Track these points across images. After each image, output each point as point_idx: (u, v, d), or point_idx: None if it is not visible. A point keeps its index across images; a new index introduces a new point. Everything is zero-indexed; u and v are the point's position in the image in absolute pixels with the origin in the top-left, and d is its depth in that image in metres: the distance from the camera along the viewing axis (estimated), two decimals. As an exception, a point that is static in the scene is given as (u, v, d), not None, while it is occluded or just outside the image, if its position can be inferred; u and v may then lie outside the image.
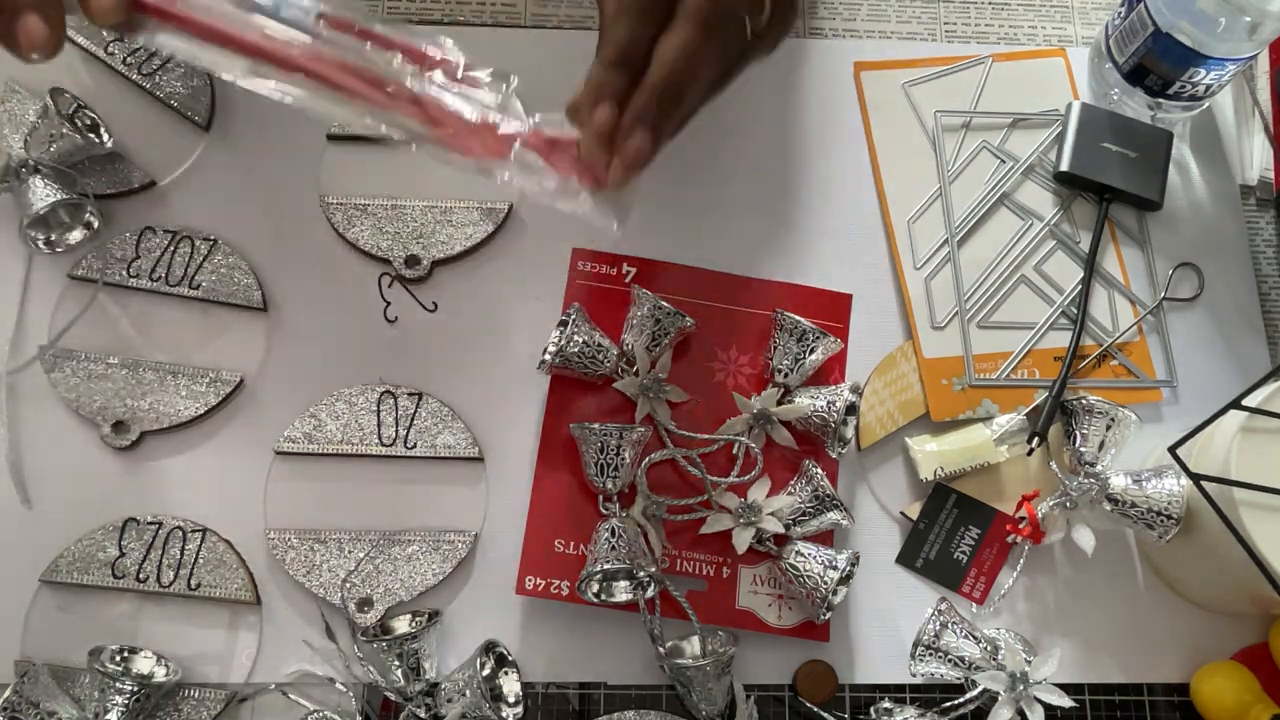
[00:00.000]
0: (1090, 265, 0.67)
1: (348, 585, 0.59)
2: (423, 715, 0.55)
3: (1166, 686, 0.61)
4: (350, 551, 0.60)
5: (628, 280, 0.63)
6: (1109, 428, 0.60)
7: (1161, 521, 0.57)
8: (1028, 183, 0.70)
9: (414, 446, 0.62)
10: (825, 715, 0.59)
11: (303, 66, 0.46)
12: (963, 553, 0.62)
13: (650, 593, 0.57)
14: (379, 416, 0.62)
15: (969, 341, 0.66)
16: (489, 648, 0.57)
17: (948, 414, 0.64)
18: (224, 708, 0.57)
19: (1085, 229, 0.69)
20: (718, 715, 0.57)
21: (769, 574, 0.60)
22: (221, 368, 0.63)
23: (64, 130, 0.62)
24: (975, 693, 0.57)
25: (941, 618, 0.58)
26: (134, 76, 0.67)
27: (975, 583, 0.62)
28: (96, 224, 0.64)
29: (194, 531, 0.60)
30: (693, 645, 0.58)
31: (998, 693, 0.56)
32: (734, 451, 0.61)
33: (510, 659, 0.58)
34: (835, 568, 0.57)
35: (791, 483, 0.60)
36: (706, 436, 0.61)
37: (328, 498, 0.61)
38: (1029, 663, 0.57)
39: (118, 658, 0.57)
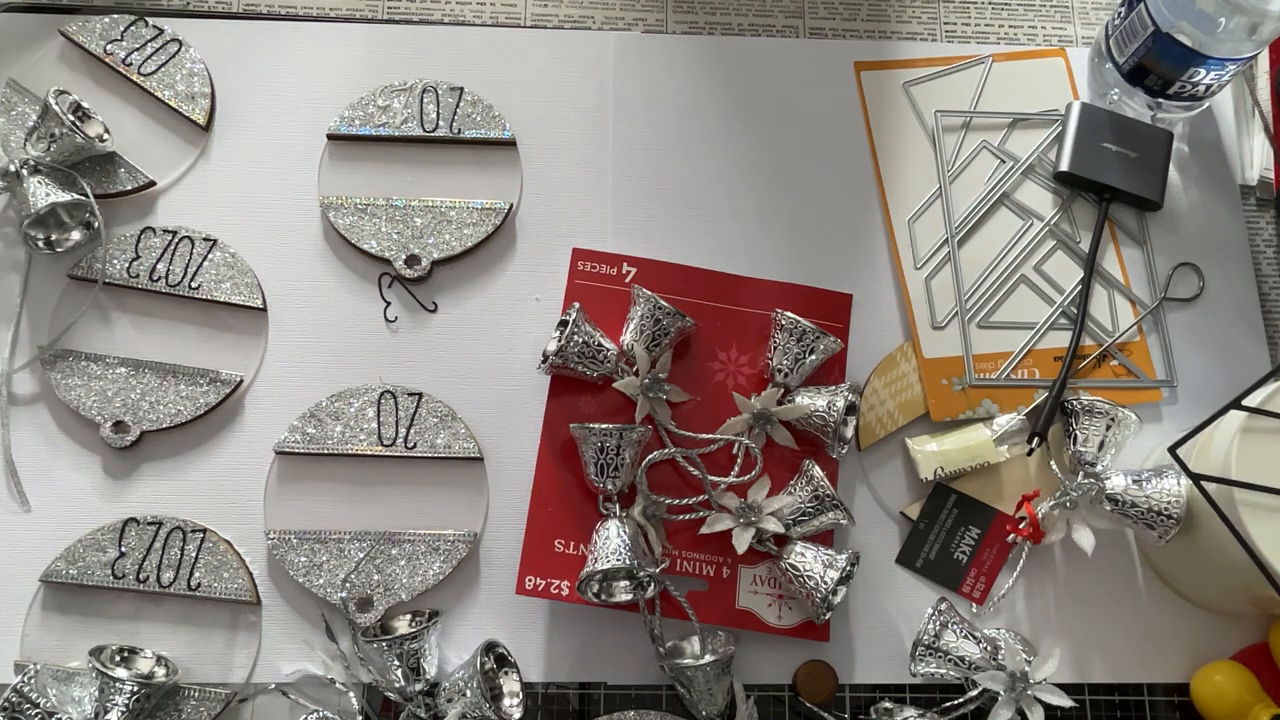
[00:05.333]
0: (1090, 265, 0.67)
1: (348, 585, 0.59)
2: (423, 715, 0.56)
3: (1166, 686, 0.61)
4: (350, 552, 0.60)
5: (628, 280, 0.63)
6: (1109, 428, 0.60)
7: (1161, 521, 0.57)
8: (1028, 183, 0.70)
9: (414, 446, 0.62)
10: (825, 715, 0.59)
11: None
12: (963, 553, 0.62)
13: (650, 593, 0.57)
14: (379, 416, 0.62)
15: (969, 341, 0.66)
16: (489, 648, 0.57)
17: (948, 414, 0.64)
18: (224, 708, 0.57)
19: (1085, 229, 0.69)
20: (718, 715, 0.57)
21: (769, 574, 0.60)
22: (221, 368, 0.63)
23: (64, 130, 0.62)
24: (975, 693, 0.57)
25: (941, 618, 0.58)
26: (134, 76, 0.67)
27: (975, 583, 0.62)
28: (96, 224, 0.64)
29: (194, 531, 0.60)
30: (693, 645, 0.58)
31: (998, 693, 0.56)
32: (734, 451, 0.61)
33: (510, 659, 0.58)
34: (835, 568, 0.57)
35: (791, 483, 0.60)
36: (706, 436, 0.61)
37: (328, 498, 0.61)
38: (1029, 663, 0.57)
39: (118, 658, 0.57)
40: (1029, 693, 0.56)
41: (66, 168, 0.64)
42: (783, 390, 0.61)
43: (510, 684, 0.57)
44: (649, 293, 0.60)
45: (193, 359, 0.63)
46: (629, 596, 0.57)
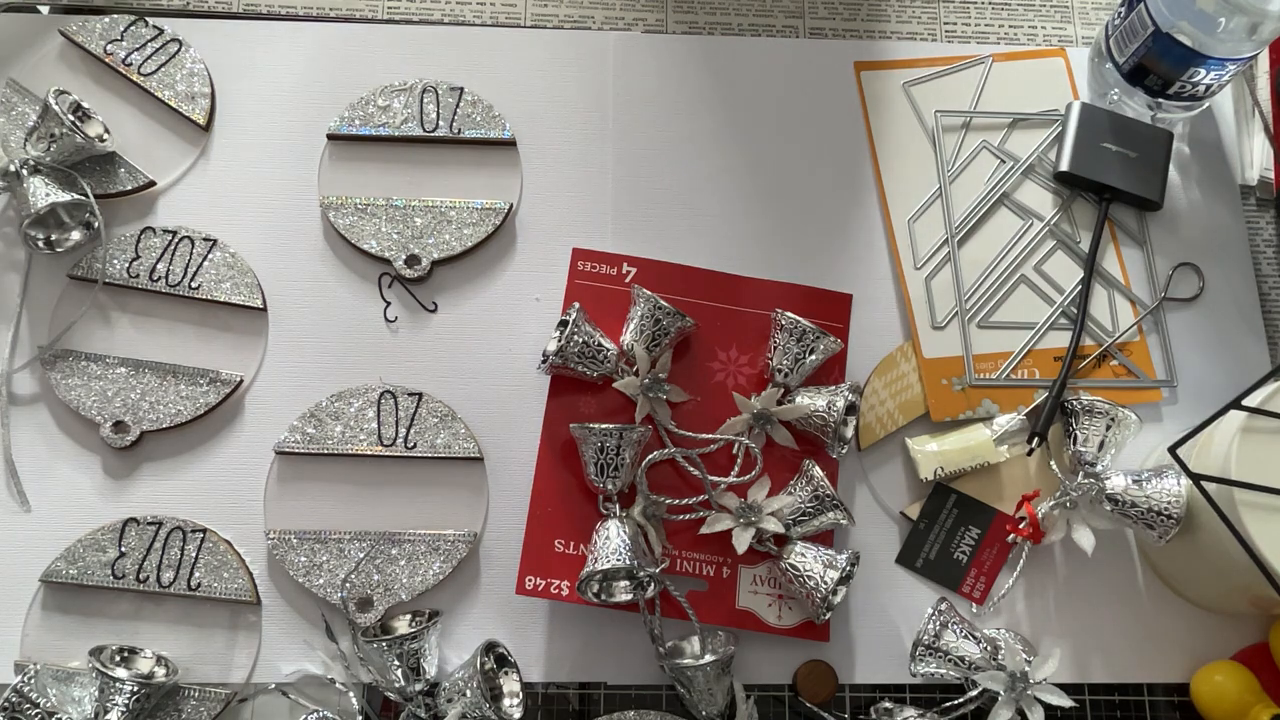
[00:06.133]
0: (1090, 265, 0.67)
1: (348, 585, 0.59)
2: (423, 715, 0.55)
3: (1166, 686, 0.61)
4: (350, 552, 0.60)
5: (628, 280, 0.63)
6: (1109, 428, 0.60)
7: (1161, 521, 0.57)
8: (1028, 183, 0.70)
9: (414, 446, 0.62)
10: (825, 715, 0.59)
11: None
12: (963, 553, 0.62)
13: (650, 593, 0.57)
14: (379, 416, 0.62)
15: (969, 341, 0.66)
16: (489, 648, 0.57)
17: (948, 414, 0.64)
18: (224, 708, 0.57)
19: (1085, 229, 0.69)
20: (718, 715, 0.57)
21: (769, 574, 0.60)
22: (221, 368, 0.63)
23: (64, 130, 0.62)
24: (975, 693, 0.57)
25: (941, 618, 0.58)
26: (134, 77, 0.67)
27: (975, 583, 0.62)
28: (96, 224, 0.64)
29: (194, 531, 0.60)
30: (693, 645, 0.58)
31: (998, 693, 0.56)
32: (734, 451, 0.61)
33: (510, 659, 0.58)
34: (835, 568, 0.57)
35: (791, 483, 0.60)
36: (706, 436, 0.61)
37: (328, 498, 0.61)
38: (1029, 663, 0.57)
39: (118, 658, 0.57)
40: (1029, 693, 0.56)
41: (66, 168, 0.64)
42: (783, 390, 0.61)
43: (510, 684, 0.57)
44: (649, 293, 0.60)
45: (193, 359, 0.63)
46: (629, 596, 0.57)
